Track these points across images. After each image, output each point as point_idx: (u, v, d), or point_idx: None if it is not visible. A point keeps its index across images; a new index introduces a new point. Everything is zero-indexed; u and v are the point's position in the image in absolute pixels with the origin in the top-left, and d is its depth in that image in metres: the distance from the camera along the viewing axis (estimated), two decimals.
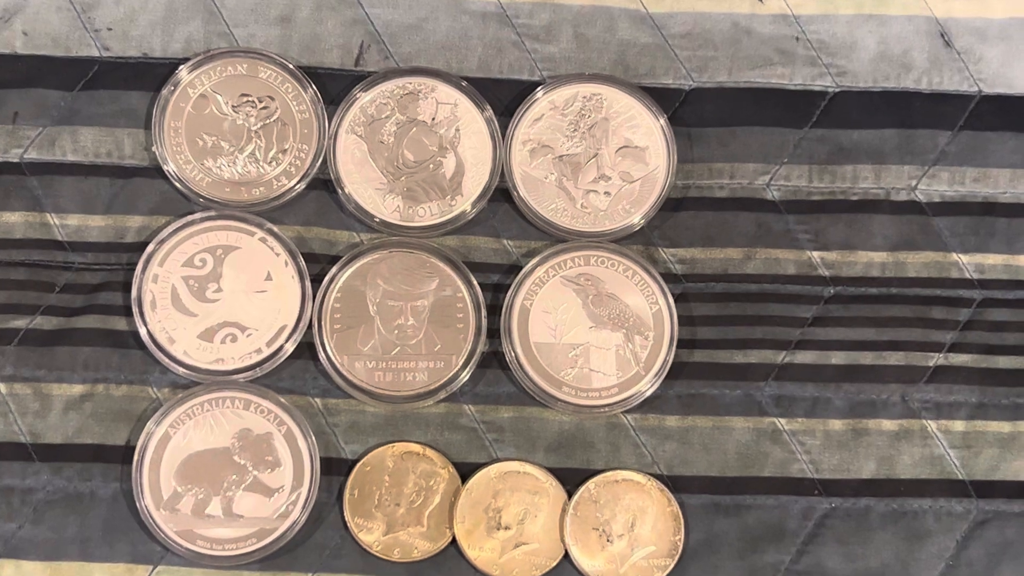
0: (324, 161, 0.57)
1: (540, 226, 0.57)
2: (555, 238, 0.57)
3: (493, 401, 0.56)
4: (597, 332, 0.56)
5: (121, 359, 0.55)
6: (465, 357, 0.56)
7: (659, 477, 0.55)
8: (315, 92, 0.57)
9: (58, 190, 0.56)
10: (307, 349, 0.56)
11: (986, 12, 0.59)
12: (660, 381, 0.56)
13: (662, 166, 0.57)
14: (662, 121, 0.57)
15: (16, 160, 0.57)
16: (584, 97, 0.58)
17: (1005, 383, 0.56)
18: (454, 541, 0.55)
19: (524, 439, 0.56)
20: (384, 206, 0.57)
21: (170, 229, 0.56)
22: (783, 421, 0.56)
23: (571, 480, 0.55)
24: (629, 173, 0.57)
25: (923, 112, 0.58)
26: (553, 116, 0.58)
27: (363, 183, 0.57)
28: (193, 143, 0.57)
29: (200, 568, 0.54)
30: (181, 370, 0.55)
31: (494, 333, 0.56)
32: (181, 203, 0.57)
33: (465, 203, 0.57)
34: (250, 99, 0.57)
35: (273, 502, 0.54)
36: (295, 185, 0.57)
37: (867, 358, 0.56)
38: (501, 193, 0.57)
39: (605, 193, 0.57)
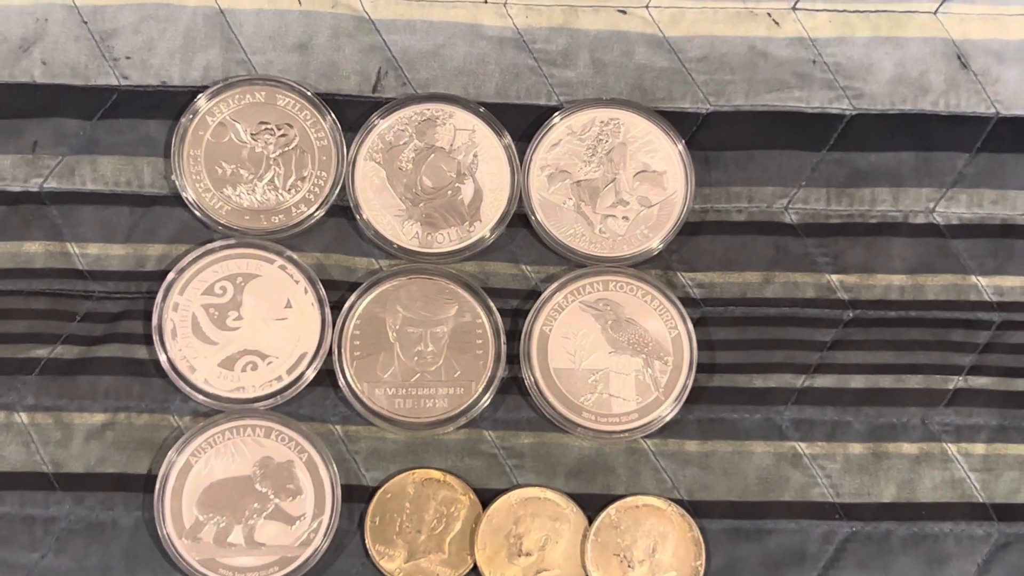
0: (343, 188, 0.57)
1: (558, 251, 0.57)
2: (573, 263, 0.57)
3: (513, 427, 0.56)
4: (616, 357, 0.56)
5: (142, 388, 0.55)
6: (485, 383, 0.56)
7: (680, 502, 0.55)
8: (333, 119, 0.57)
9: (78, 219, 0.57)
10: (327, 376, 0.56)
11: (1003, 34, 0.59)
12: (680, 406, 0.56)
13: (680, 190, 0.57)
14: (680, 146, 0.57)
15: (36, 189, 0.57)
16: (602, 122, 0.58)
17: None
18: (475, 568, 0.55)
19: (544, 465, 0.56)
20: (403, 232, 0.57)
21: (190, 257, 0.56)
22: (803, 445, 0.56)
23: (592, 506, 0.55)
24: (647, 198, 0.57)
25: (940, 134, 0.58)
26: (571, 141, 0.58)
27: (382, 210, 0.57)
28: (212, 171, 0.57)
29: None
30: (202, 398, 0.55)
31: (513, 359, 0.56)
32: (201, 231, 0.57)
33: (483, 229, 0.57)
34: (268, 127, 0.57)
35: (295, 530, 0.54)
36: (314, 212, 0.57)
37: (887, 381, 0.56)
38: (519, 219, 0.57)
39: (623, 218, 0.57)
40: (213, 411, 0.55)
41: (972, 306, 0.57)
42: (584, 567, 0.55)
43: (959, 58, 0.59)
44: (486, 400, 0.56)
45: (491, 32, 0.59)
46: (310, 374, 0.55)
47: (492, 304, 0.56)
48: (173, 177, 0.57)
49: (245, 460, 0.54)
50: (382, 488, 0.55)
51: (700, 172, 0.58)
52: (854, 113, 0.59)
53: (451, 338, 0.56)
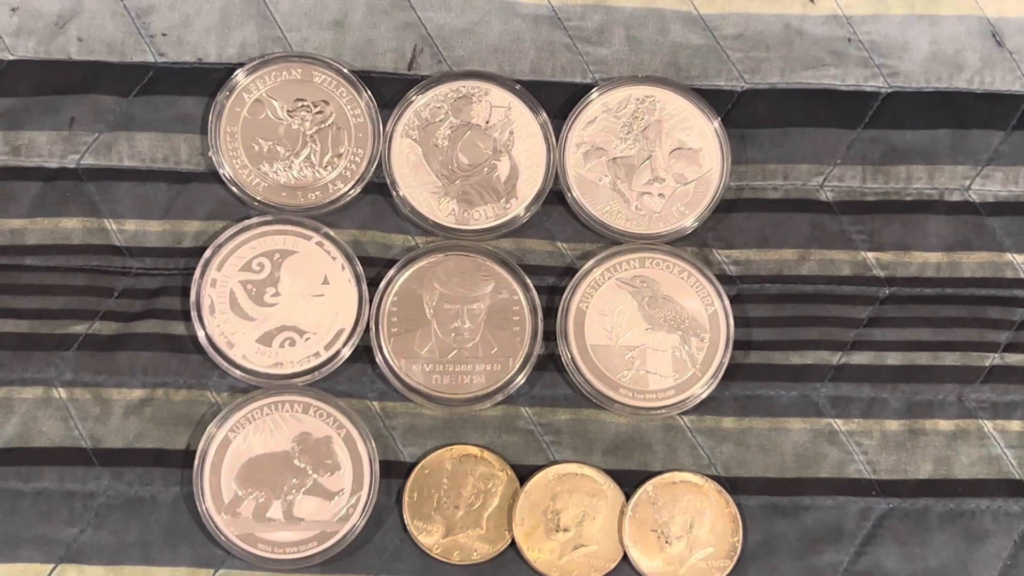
0: (379, 165, 0.57)
1: (594, 228, 0.57)
2: (609, 240, 0.57)
3: (550, 403, 0.56)
4: (653, 334, 0.56)
5: (180, 364, 0.56)
6: (522, 360, 0.56)
7: (716, 478, 0.56)
8: (370, 96, 0.57)
9: (115, 195, 0.57)
10: (364, 352, 0.56)
11: None
12: (716, 383, 0.56)
13: (716, 168, 0.57)
14: (716, 123, 0.57)
15: (73, 166, 0.57)
16: (637, 99, 0.58)
17: None
18: (513, 543, 0.55)
19: (581, 441, 0.56)
20: (439, 209, 0.57)
21: (227, 234, 0.56)
22: (840, 422, 0.56)
23: (629, 482, 0.55)
24: (683, 175, 0.57)
25: (976, 112, 0.58)
26: (606, 118, 0.58)
27: (418, 186, 0.57)
28: (249, 148, 0.57)
29: (261, 571, 0.54)
30: (240, 374, 0.55)
31: (550, 335, 0.56)
32: (237, 208, 0.57)
33: (519, 206, 0.57)
34: (305, 104, 0.57)
35: (333, 505, 0.54)
36: (350, 189, 0.57)
37: (923, 358, 0.57)
38: (555, 196, 0.58)
39: (659, 195, 0.57)
40: (251, 387, 0.55)
41: (1008, 283, 0.57)
42: (621, 543, 0.55)
43: (994, 36, 0.59)
44: (523, 377, 0.56)
45: (526, 10, 0.59)
46: (347, 350, 0.55)
47: (529, 281, 0.56)
48: (210, 154, 0.57)
49: (283, 435, 0.55)
50: (420, 464, 0.55)
51: (736, 149, 0.58)
52: (889, 91, 0.59)
53: (488, 315, 0.56)
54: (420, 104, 0.58)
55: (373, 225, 0.57)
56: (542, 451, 0.56)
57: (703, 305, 0.56)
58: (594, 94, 0.58)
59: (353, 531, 0.54)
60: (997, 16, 0.59)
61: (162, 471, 0.55)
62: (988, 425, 0.56)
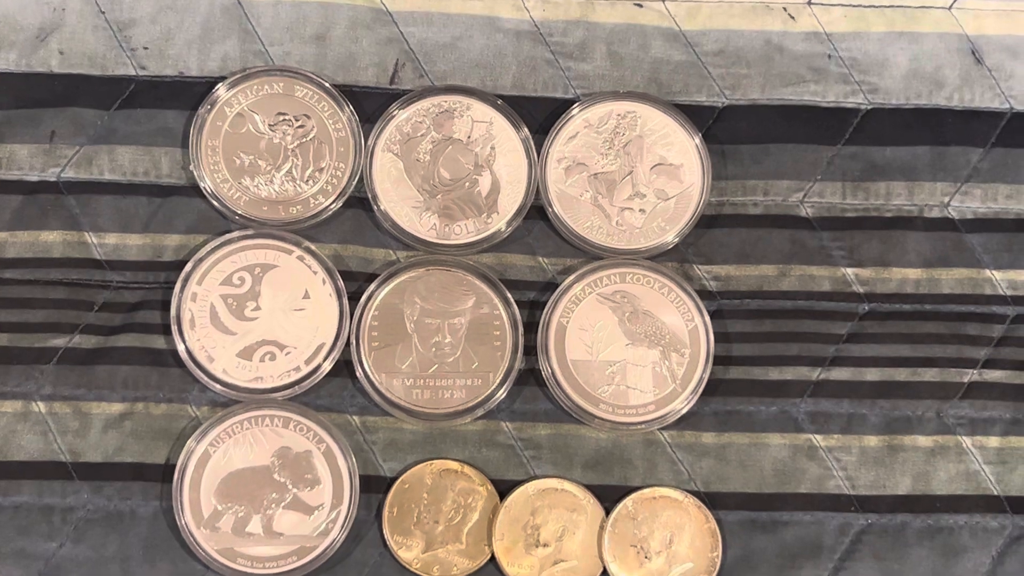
0: (360, 179, 0.57)
1: (575, 243, 0.57)
2: (590, 255, 0.57)
3: (530, 418, 0.56)
4: (633, 349, 0.56)
5: (160, 377, 0.55)
6: (502, 374, 0.56)
7: (696, 494, 0.56)
8: (351, 111, 0.57)
9: (96, 209, 0.57)
10: (345, 367, 0.56)
11: (1017, 29, 0.59)
12: (696, 398, 0.56)
13: (697, 183, 0.58)
14: (696, 139, 0.58)
15: (53, 179, 0.57)
16: (619, 115, 0.58)
17: None
18: (493, 558, 0.55)
19: (561, 456, 0.56)
20: (420, 224, 0.57)
21: (208, 248, 0.56)
22: (819, 437, 0.56)
23: (609, 497, 0.56)
24: (664, 191, 0.58)
25: (955, 129, 0.59)
26: (588, 134, 0.58)
27: (399, 201, 0.57)
28: (230, 162, 0.57)
29: None
30: (220, 388, 0.55)
31: (531, 350, 0.56)
32: (218, 221, 0.57)
33: (501, 221, 0.57)
34: (287, 118, 0.57)
35: (313, 520, 0.54)
36: (332, 203, 0.57)
37: (902, 374, 0.57)
38: (536, 211, 0.58)
39: (640, 211, 0.57)
40: (231, 401, 0.55)
41: (987, 300, 0.58)
42: (601, 558, 0.55)
43: (973, 53, 0.59)
44: (503, 391, 0.56)
45: (508, 25, 0.59)
46: (328, 365, 0.55)
47: (510, 296, 0.56)
48: (191, 167, 0.57)
49: (263, 450, 0.55)
50: (400, 479, 0.55)
51: (716, 165, 0.58)
52: (869, 107, 0.59)
53: (469, 329, 0.56)
54: (402, 119, 0.58)
55: (354, 239, 0.57)
56: (522, 466, 0.56)
57: (683, 320, 0.56)
58: (575, 109, 0.58)
59: (333, 546, 0.54)
60: (977, 34, 0.59)
61: (141, 485, 0.55)
62: (967, 441, 0.56)
